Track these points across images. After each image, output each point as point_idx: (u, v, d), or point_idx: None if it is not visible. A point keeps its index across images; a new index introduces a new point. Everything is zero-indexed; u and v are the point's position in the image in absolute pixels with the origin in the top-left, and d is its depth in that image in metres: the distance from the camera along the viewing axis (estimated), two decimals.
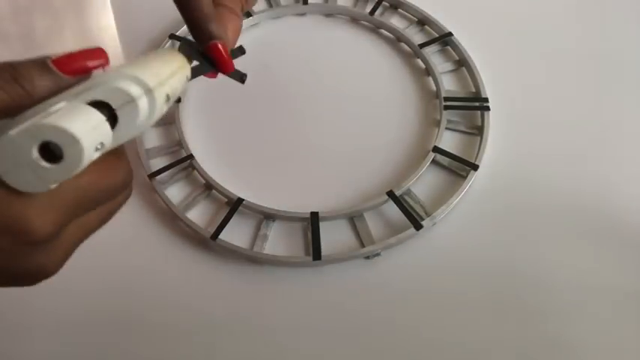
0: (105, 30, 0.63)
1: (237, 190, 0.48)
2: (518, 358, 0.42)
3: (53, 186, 0.20)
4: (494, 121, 0.52)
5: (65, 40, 0.62)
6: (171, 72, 0.25)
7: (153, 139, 0.53)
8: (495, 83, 0.55)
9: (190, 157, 0.50)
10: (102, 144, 0.20)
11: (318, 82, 0.57)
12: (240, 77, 0.32)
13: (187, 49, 0.30)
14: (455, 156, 0.50)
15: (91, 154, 0.19)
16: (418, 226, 0.46)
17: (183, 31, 0.59)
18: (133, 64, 0.22)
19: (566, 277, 0.45)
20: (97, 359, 0.42)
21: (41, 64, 0.21)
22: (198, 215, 0.48)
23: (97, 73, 0.23)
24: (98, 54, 0.23)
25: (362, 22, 0.62)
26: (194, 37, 0.31)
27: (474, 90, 0.56)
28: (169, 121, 0.53)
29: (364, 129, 0.54)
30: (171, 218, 0.48)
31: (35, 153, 0.19)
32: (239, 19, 0.33)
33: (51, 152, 0.19)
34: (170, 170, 0.50)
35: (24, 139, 0.19)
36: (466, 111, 0.54)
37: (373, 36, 0.61)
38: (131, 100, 0.21)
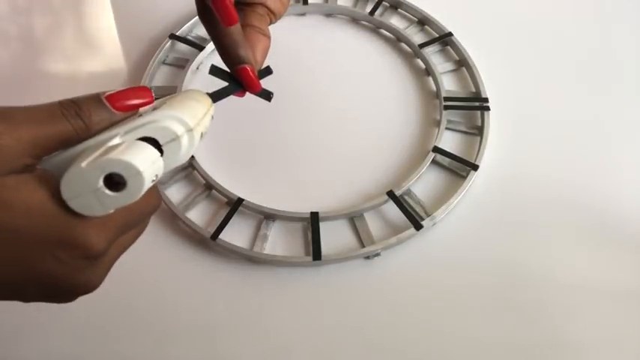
0: (105, 30, 0.63)
1: (237, 190, 0.48)
2: (518, 357, 0.42)
3: (111, 211, 0.23)
4: (494, 121, 0.52)
5: (65, 41, 0.62)
6: (204, 112, 0.28)
7: None
8: (495, 83, 0.55)
9: (190, 157, 0.50)
10: (156, 176, 0.24)
11: (318, 82, 0.57)
12: (267, 95, 0.34)
13: (217, 72, 0.33)
14: (455, 156, 0.50)
15: (148, 185, 0.23)
16: (418, 226, 0.46)
17: (184, 31, 0.59)
18: (174, 105, 0.26)
19: (566, 277, 0.45)
20: (96, 359, 0.42)
21: (97, 100, 0.24)
22: (198, 215, 0.48)
23: (142, 110, 0.26)
24: (145, 93, 0.26)
25: (362, 22, 0.62)
26: (224, 60, 0.33)
27: (474, 90, 0.56)
28: None
29: (364, 129, 0.54)
30: (172, 218, 0.48)
31: (101, 182, 0.22)
32: (267, 39, 0.35)
33: (112, 182, 0.22)
34: (170, 170, 0.50)
35: (93, 170, 0.22)
36: (466, 111, 0.54)
37: (373, 36, 0.61)
38: (176, 138, 0.25)
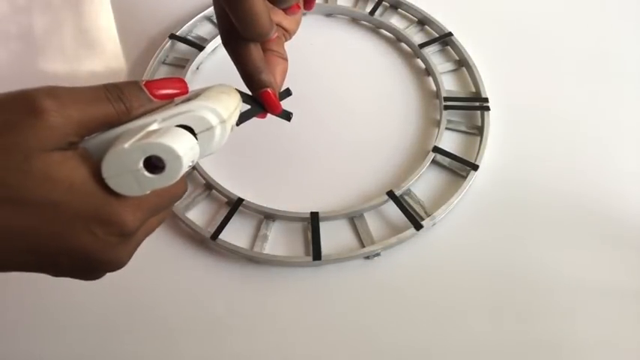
0: (105, 30, 0.63)
1: (237, 190, 0.48)
2: (517, 358, 0.42)
3: (147, 192, 0.24)
4: (494, 121, 0.52)
5: (65, 40, 0.62)
6: (235, 106, 0.29)
7: None
8: (495, 83, 0.55)
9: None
10: (192, 161, 0.25)
11: (318, 82, 0.57)
12: (287, 116, 0.36)
13: (241, 96, 0.34)
14: (455, 156, 0.50)
15: (185, 169, 0.24)
16: (418, 226, 0.46)
17: (184, 31, 0.59)
18: (209, 97, 0.27)
19: (566, 277, 0.45)
20: (96, 359, 0.42)
21: (138, 86, 0.26)
22: (198, 215, 0.48)
23: (177, 100, 0.27)
24: (181, 84, 0.28)
25: (362, 22, 0.62)
26: (247, 84, 0.35)
27: (474, 90, 0.56)
28: None
29: (364, 129, 0.54)
30: (172, 218, 0.48)
31: (141, 164, 0.23)
32: (285, 62, 0.37)
33: (150, 164, 0.23)
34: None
35: (135, 151, 0.23)
36: (466, 111, 0.54)
37: (373, 36, 0.61)
38: (210, 128, 0.26)
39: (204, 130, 0.26)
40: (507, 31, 0.61)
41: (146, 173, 0.23)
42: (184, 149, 0.23)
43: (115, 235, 0.24)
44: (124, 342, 0.42)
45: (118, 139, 0.24)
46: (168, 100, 0.27)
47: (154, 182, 0.24)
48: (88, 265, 0.25)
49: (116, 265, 0.26)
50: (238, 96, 0.32)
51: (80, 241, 0.24)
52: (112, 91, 0.25)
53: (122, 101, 0.25)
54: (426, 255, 0.46)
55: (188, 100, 0.27)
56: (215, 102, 0.26)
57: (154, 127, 0.25)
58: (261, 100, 0.35)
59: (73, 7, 0.65)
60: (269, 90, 0.34)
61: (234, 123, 0.29)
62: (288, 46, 0.38)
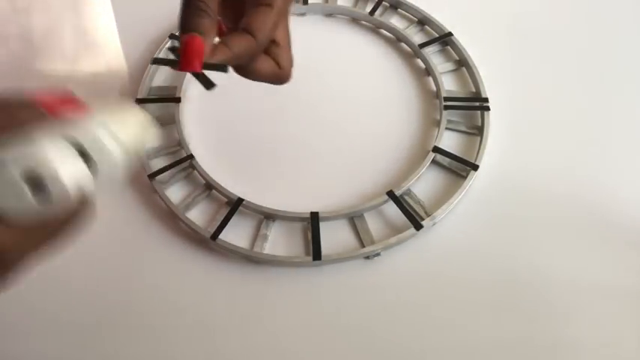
0: (105, 30, 0.63)
1: (237, 190, 0.48)
2: (518, 358, 0.42)
3: (29, 211, 0.22)
4: (494, 121, 0.52)
5: (64, 41, 0.62)
6: (138, 129, 0.27)
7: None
8: (495, 83, 0.55)
9: (190, 157, 0.50)
10: (80, 186, 0.23)
11: (318, 82, 0.57)
12: (208, 84, 0.34)
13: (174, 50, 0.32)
14: (455, 156, 0.50)
15: (70, 191, 0.22)
16: (418, 226, 0.46)
17: None
18: (111, 118, 0.25)
19: (566, 277, 0.45)
20: (96, 359, 0.42)
21: (30, 101, 0.24)
22: (198, 215, 0.48)
23: (78, 118, 0.25)
24: (76, 103, 0.25)
25: (362, 22, 0.62)
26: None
27: (474, 90, 0.56)
28: (169, 121, 0.53)
29: (364, 129, 0.54)
30: (172, 218, 0.48)
31: (18, 177, 0.21)
32: (252, 40, 0.33)
33: (36, 185, 0.22)
34: (170, 170, 0.50)
35: (12, 165, 0.21)
36: (466, 111, 0.54)
37: (373, 36, 0.61)
38: (108, 153, 0.24)
39: (97, 152, 0.24)
40: (507, 31, 0.61)
41: (26, 189, 0.22)
42: (68, 171, 0.22)
43: None
44: (123, 342, 0.42)
45: None
46: (65, 118, 0.24)
47: (34, 202, 0.22)
48: None
49: None
50: (147, 118, 0.29)
51: None
52: None
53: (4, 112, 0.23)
54: (426, 255, 0.46)
55: (87, 119, 0.25)
56: (116, 123, 0.25)
57: (44, 144, 0.23)
58: (181, 47, 0.29)
59: (72, 8, 0.65)
60: (194, 38, 0.30)
61: (138, 148, 0.27)
62: None
